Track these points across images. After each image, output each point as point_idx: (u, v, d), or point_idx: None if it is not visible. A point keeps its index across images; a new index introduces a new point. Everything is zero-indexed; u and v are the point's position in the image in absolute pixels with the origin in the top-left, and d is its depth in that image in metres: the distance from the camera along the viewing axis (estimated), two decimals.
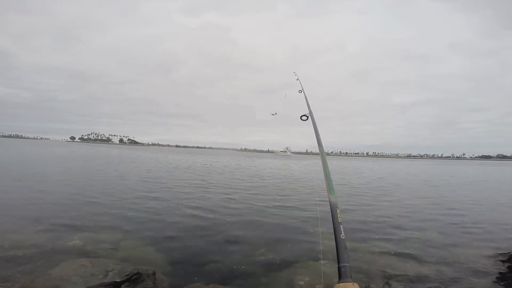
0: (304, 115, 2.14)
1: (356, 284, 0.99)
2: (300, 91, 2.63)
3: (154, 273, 3.54)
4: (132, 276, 3.37)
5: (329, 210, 1.25)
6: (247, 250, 4.83)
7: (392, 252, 4.95)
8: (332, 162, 48.93)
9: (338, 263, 1.06)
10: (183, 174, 16.78)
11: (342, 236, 1.14)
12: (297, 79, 2.85)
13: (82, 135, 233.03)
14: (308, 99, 2.44)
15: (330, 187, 1.38)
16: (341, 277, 1.03)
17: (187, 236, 5.44)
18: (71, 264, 3.59)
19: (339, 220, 1.19)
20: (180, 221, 6.42)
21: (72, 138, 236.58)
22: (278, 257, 4.56)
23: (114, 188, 10.19)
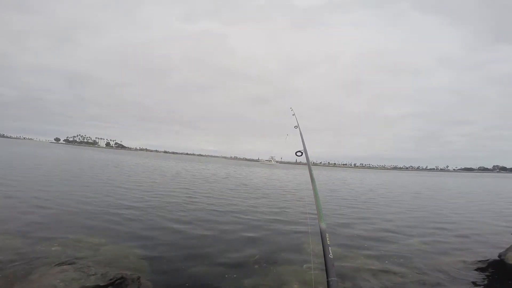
0: (299, 151, 2.36)
1: None
2: (296, 127, 2.81)
3: (138, 278, 3.44)
4: (115, 280, 3.26)
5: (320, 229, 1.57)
6: (237, 260, 4.77)
7: (377, 262, 5.00)
8: (321, 173, 49.33)
9: (327, 277, 1.31)
10: (170, 182, 16.48)
11: (330, 256, 1.41)
12: (293, 114, 3.04)
13: (68, 137, 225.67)
14: (303, 136, 2.64)
15: (320, 216, 1.63)
16: None
17: (174, 244, 5.32)
18: (52, 268, 3.44)
19: (328, 243, 1.46)
20: (167, 229, 6.26)
21: (57, 139, 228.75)
22: (269, 267, 4.53)
23: (96, 195, 9.82)
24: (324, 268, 1.37)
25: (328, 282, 1.29)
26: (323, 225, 1.57)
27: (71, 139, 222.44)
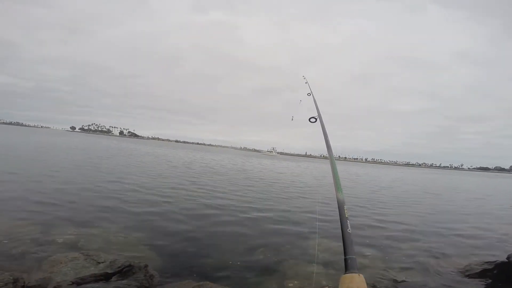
0: (313, 117, 2.17)
1: (361, 276, 1.01)
2: (309, 94, 2.64)
3: (146, 266, 3.54)
4: (123, 268, 3.37)
5: (334, 209, 1.34)
6: (243, 252, 4.84)
7: (383, 261, 4.97)
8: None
9: (345, 255, 1.10)
10: (180, 173, 16.69)
11: (349, 230, 1.19)
12: (306, 82, 2.87)
13: (83, 126, 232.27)
14: (317, 102, 2.48)
15: (338, 186, 1.44)
16: (347, 268, 1.07)
17: (182, 235, 5.43)
18: (63, 256, 3.58)
19: (346, 216, 1.25)
20: (176, 221, 6.37)
21: (73, 128, 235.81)
22: (272, 259, 4.58)
23: (108, 185, 9.99)
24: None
25: (345, 260, 1.09)
26: (341, 196, 1.35)
27: (86, 127, 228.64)
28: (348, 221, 1.22)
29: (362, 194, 14.03)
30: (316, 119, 2.15)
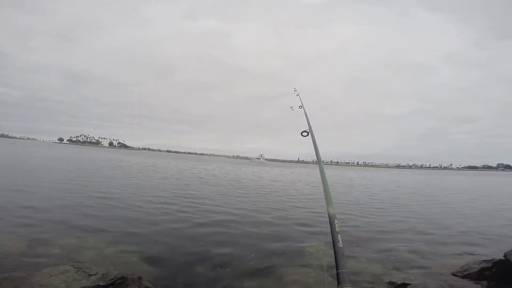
0: (305, 131, 2.20)
1: None
2: (300, 107, 2.66)
3: (140, 278, 3.44)
4: (116, 280, 3.26)
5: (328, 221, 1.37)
6: (236, 261, 4.75)
7: (379, 263, 4.97)
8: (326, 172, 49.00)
9: (337, 269, 1.13)
10: (169, 183, 16.42)
11: (340, 244, 1.23)
12: (297, 95, 2.88)
13: (71, 137, 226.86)
14: (307, 115, 2.49)
15: (329, 200, 1.48)
16: (339, 282, 1.09)
17: (175, 246, 5.31)
18: (54, 269, 3.45)
19: (337, 230, 1.29)
20: (169, 231, 6.23)
21: (61, 139, 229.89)
22: (268, 269, 4.50)
23: (98, 196, 9.74)
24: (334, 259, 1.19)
25: (337, 274, 1.12)
26: (332, 210, 1.41)
27: (75, 139, 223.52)
28: (339, 235, 1.26)
29: (358, 198, 14.12)
30: (307, 133, 2.20)
